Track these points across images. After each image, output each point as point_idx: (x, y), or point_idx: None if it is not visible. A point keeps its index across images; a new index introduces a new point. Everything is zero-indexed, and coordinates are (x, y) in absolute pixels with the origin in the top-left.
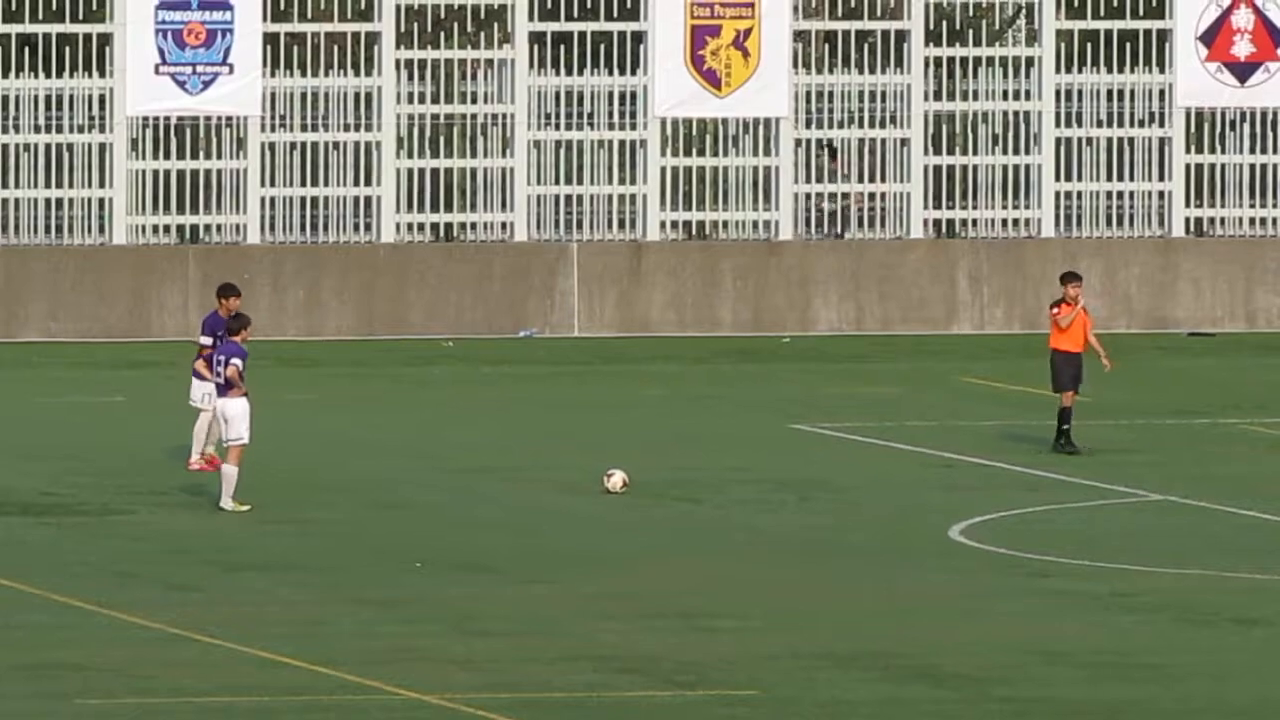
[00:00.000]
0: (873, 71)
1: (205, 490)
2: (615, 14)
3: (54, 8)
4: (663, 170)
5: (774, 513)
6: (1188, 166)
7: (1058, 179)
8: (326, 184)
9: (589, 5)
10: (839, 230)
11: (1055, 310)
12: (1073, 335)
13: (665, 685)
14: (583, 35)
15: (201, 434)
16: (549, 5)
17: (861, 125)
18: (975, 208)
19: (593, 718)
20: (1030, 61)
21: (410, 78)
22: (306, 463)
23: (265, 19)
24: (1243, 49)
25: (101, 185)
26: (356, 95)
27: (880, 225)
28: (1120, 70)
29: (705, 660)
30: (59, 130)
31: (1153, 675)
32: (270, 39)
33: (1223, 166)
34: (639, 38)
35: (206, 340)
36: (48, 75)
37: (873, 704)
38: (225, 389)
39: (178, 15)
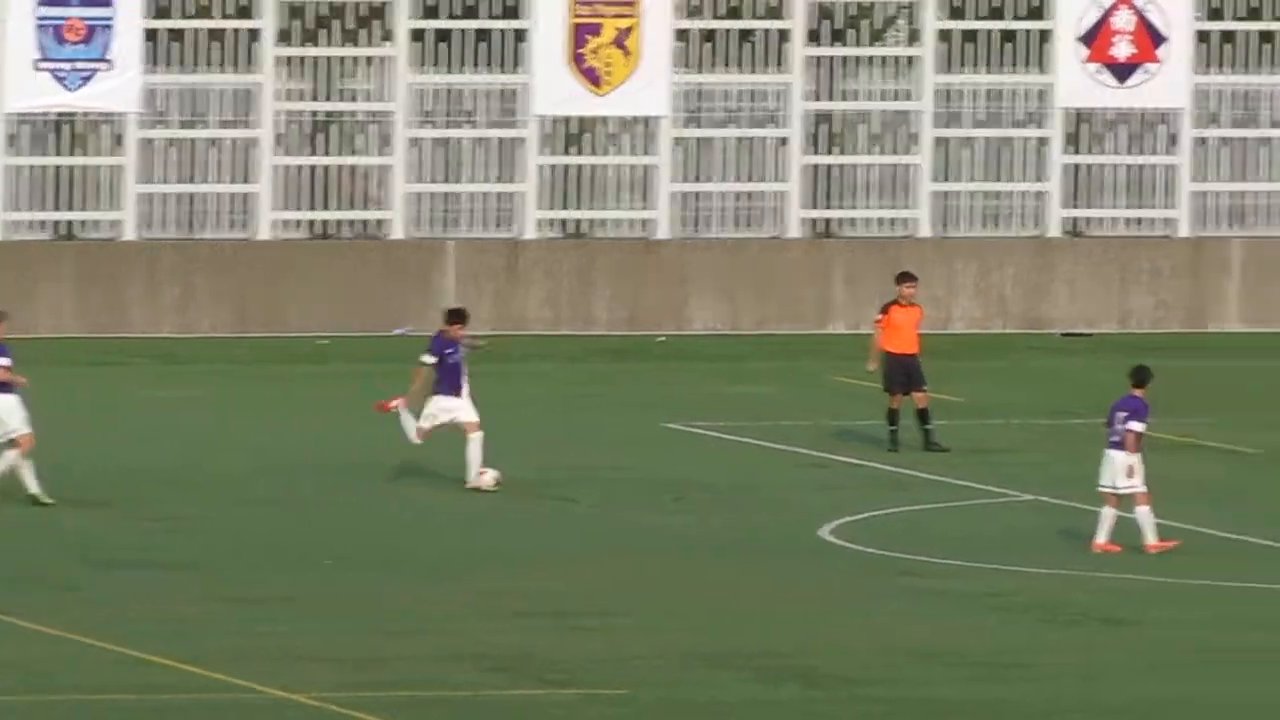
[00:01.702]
0: (753, 70)
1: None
2: (496, 12)
3: None
4: (540, 168)
5: (648, 512)
6: (1065, 167)
7: (935, 179)
8: (204, 180)
9: (470, 3)
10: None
11: (879, 319)
12: (904, 336)
13: (536, 684)
14: (463, 33)
15: (475, 461)
16: (430, 3)
17: (740, 125)
18: (853, 207)
19: (461, 716)
20: (910, 61)
21: (290, 75)
22: (178, 461)
23: (145, 15)
24: (1123, 50)
25: None
26: (236, 92)
27: (758, 224)
28: (1000, 70)
29: (576, 659)
30: None
31: (1023, 675)
32: (150, 35)
33: (1100, 167)
34: (520, 36)
35: (431, 360)
36: None
37: (744, 704)
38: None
39: (58, 11)
